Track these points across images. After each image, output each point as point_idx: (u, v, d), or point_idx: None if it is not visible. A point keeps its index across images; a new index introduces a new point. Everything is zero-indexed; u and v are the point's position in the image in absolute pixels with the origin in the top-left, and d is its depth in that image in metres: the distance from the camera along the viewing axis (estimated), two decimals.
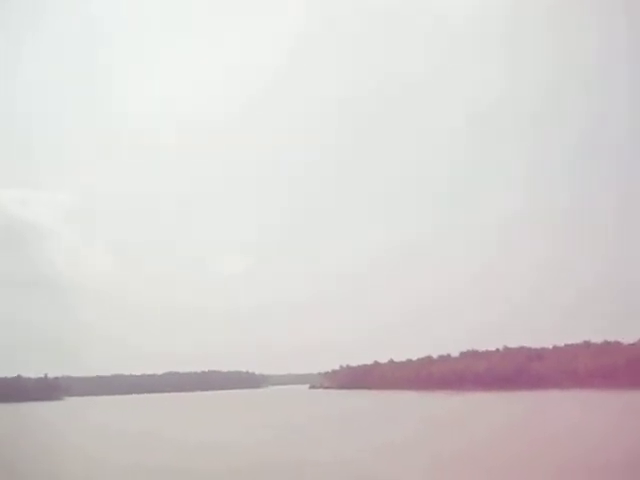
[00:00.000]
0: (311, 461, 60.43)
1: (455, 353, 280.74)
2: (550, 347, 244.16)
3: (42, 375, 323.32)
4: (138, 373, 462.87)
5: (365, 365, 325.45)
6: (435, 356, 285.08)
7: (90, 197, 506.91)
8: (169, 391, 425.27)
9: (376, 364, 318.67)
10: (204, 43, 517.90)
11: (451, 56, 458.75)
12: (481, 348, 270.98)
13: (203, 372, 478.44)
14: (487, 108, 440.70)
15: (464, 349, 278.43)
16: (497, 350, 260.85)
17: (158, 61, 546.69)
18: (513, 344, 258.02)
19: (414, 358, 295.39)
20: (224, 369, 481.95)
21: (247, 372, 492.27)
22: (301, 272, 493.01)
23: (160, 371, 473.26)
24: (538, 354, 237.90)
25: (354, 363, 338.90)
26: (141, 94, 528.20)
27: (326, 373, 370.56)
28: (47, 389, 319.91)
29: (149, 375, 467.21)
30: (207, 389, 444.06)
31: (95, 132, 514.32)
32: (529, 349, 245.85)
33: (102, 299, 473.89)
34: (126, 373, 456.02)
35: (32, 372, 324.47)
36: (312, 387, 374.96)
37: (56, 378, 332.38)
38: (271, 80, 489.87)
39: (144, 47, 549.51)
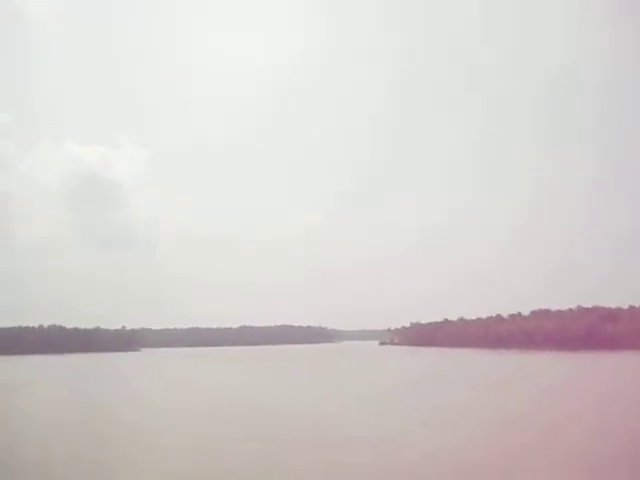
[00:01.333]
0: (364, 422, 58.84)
1: (526, 312, 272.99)
2: (625, 307, 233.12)
3: (119, 327, 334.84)
4: (214, 326, 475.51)
5: (434, 322, 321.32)
6: (505, 315, 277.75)
7: (170, 154, 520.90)
8: (243, 344, 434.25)
9: (445, 322, 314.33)
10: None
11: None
12: (554, 307, 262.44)
13: (276, 326, 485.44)
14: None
15: (536, 308, 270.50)
16: (570, 310, 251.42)
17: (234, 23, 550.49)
18: (587, 304, 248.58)
19: (484, 316, 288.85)
20: (297, 324, 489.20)
21: (320, 327, 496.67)
22: (375, 229, 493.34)
23: (235, 325, 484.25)
24: (612, 314, 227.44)
25: (424, 320, 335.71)
26: (219, 55, 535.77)
27: (396, 330, 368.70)
28: (124, 341, 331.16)
29: (224, 328, 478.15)
30: (280, 343, 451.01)
31: (175, 91, 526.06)
32: (603, 309, 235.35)
33: (180, 255, 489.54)
34: (202, 326, 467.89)
35: (111, 324, 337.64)
36: (382, 343, 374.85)
37: (133, 330, 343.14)
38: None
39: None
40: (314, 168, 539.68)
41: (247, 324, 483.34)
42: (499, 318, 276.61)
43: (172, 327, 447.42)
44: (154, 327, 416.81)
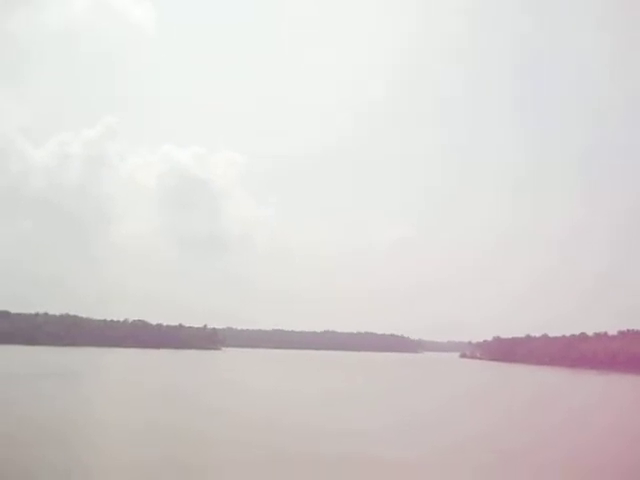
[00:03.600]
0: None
1: (613, 332, 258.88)
2: None
3: (201, 325, 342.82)
4: (298, 329, 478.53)
5: (516, 338, 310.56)
6: (590, 333, 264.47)
7: (262, 158, 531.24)
8: (326, 349, 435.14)
9: (527, 337, 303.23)
10: None
11: None
12: None
13: (359, 333, 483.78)
14: None
15: (623, 328, 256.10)
16: None
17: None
18: None
19: (568, 334, 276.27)
20: (380, 331, 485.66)
21: (402, 336, 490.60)
22: (462, 240, 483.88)
23: (319, 329, 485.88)
24: None
25: (506, 335, 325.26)
26: (318, 63, 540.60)
27: (477, 343, 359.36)
28: (206, 339, 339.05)
29: (308, 332, 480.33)
30: (362, 349, 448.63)
31: (270, 98, 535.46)
32: None
33: (268, 258, 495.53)
34: (286, 329, 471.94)
35: (194, 322, 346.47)
36: (462, 356, 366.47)
37: (215, 329, 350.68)
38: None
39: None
40: (407, 182, 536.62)
41: (330, 329, 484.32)
42: (583, 336, 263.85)
43: (255, 328, 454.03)
44: (237, 327, 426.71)
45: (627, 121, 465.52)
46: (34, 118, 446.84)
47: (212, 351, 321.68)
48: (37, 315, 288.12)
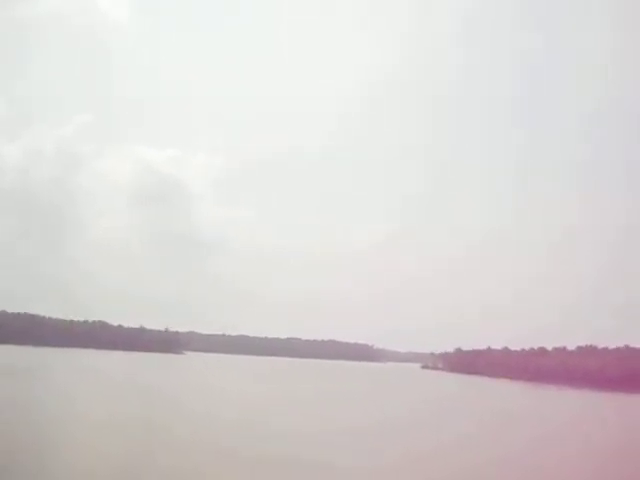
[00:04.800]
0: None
1: (572, 347, 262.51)
2: None
3: (162, 329, 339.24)
4: (262, 335, 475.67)
5: (477, 350, 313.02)
6: (550, 348, 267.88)
7: (239, 161, 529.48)
8: (290, 356, 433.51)
9: (488, 350, 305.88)
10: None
11: None
12: (601, 345, 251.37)
13: (323, 341, 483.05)
14: None
15: (583, 344, 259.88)
16: (617, 348, 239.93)
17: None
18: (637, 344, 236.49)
19: (527, 347, 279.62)
20: (344, 340, 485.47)
21: (366, 345, 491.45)
22: (433, 247, 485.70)
23: (283, 335, 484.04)
24: None
25: (467, 347, 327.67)
26: (294, 63, 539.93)
27: (439, 354, 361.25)
28: (168, 342, 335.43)
29: (272, 338, 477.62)
30: (326, 357, 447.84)
31: (247, 100, 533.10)
32: None
33: (241, 261, 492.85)
34: (250, 334, 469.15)
35: (155, 325, 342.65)
36: (424, 367, 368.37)
37: (177, 332, 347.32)
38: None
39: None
40: (387, 182, 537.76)
41: (295, 336, 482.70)
42: (542, 350, 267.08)
43: (219, 333, 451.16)
44: (202, 331, 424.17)
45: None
46: (6, 113, 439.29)
47: (173, 355, 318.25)
48: None
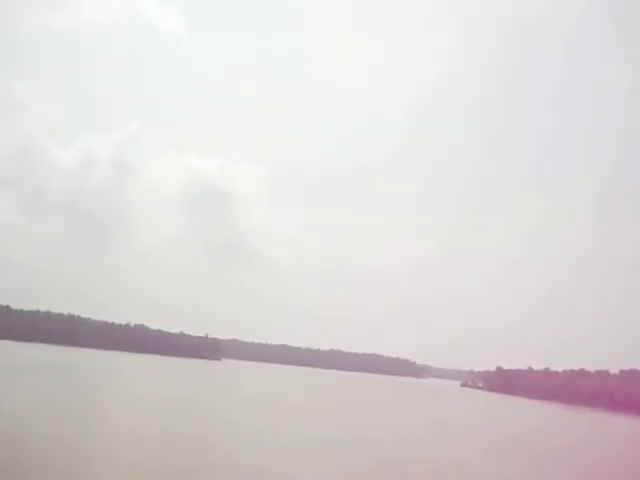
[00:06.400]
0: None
1: (615, 370, 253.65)
2: None
3: (202, 334, 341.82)
4: (304, 346, 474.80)
5: (518, 370, 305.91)
6: (592, 370, 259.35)
7: (286, 174, 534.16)
8: (330, 368, 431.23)
9: (529, 370, 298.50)
10: None
11: None
12: None
13: (365, 354, 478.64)
14: None
15: (626, 368, 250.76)
16: None
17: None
18: None
19: (568, 369, 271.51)
20: (386, 354, 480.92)
21: (408, 360, 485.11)
22: (476, 265, 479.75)
23: (325, 347, 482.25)
24: None
25: (507, 366, 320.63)
26: (339, 78, 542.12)
27: (479, 372, 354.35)
28: (207, 349, 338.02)
29: (313, 350, 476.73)
30: (367, 371, 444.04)
31: (295, 113, 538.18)
32: None
33: (284, 271, 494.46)
34: (292, 345, 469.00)
35: (193, 331, 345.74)
36: (464, 385, 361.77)
37: (215, 339, 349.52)
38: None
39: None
40: (420, 200, 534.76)
41: (336, 348, 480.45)
42: (582, 372, 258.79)
43: (261, 342, 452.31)
44: (243, 339, 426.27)
45: None
46: (62, 120, 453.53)
47: (211, 361, 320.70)
48: (38, 312, 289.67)
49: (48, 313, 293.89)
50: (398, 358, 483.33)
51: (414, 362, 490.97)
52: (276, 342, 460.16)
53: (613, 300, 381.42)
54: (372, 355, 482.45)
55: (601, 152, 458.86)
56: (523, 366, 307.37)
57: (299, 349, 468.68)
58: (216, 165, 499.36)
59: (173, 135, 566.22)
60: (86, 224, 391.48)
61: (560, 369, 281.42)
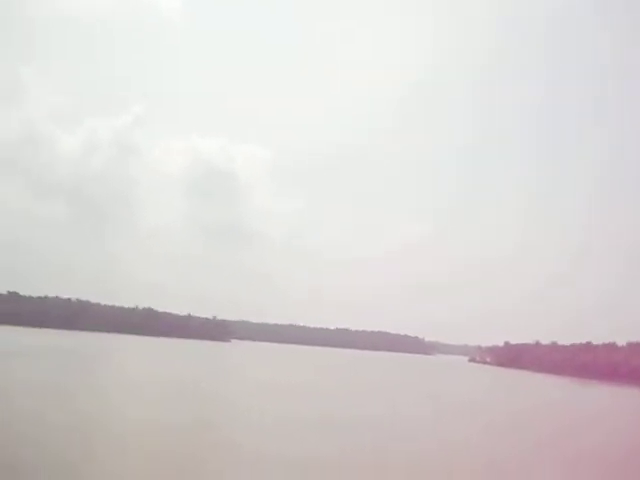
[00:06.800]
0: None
1: (622, 342, 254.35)
2: None
3: (210, 317, 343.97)
4: (311, 325, 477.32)
5: (524, 344, 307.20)
6: (598, 343, 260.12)
7: (287, 153, 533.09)
8: (339, 346, 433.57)
9: (536, 344, 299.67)
10: None
11: None
12: None
13: (373, 332, 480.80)
14: None
15: (632, 339, 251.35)
16: None
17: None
18: None
19: (576, 342, 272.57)
20: (394, 331, 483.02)
21: (415, 337, 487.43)
22: (479, 240, 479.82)
23: (332, 326, 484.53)
24: None
25: (515, 340, 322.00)
26: (342, 59, 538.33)
27: (486, 348, 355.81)
28: (215, 330, 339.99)
29: (321, 329, 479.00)
30: (375, 349, 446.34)
31: (298, 93, 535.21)
32: None
33: (287, 252, 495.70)
34: (299, 324, 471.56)
35: (202, 313, 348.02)
36: (471, 360, 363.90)
37: (224, 320, 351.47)
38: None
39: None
40: (420, 180, 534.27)
41: (344, 327, 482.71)
42: (589, 346, 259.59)
43: (268, 322, 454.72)
44: (251, 320, 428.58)
45: None
46: (63, 105, 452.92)
47: (220, 343, 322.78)
48: (46, 298, 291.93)
49: (56, 298, 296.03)
50: (406, 335, 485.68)
51: (422, 339, 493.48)
52: (285, 322, 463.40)
53: (618, 272, 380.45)
54: (379, 333, 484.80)
55: (597, 138, 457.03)
56: (530, 340, 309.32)
57: (307, 328, 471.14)
58: (219, 147, 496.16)
59: (175, 118, 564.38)
60: (90, 208, 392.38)
61: (568, 343, 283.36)
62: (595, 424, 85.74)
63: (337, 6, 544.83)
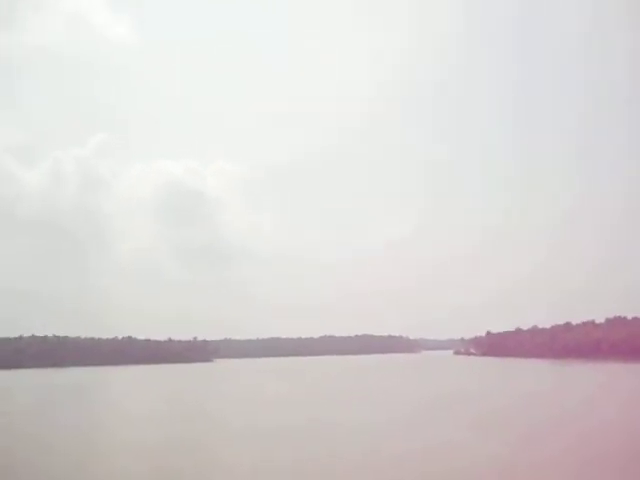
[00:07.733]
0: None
1: (600, 319, 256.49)
2: None
3: (191, 338, 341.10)
4: (295, 336, 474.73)
5: (506, 332, 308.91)
6: (577, 322, 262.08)
7: (256, 168, 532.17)
8: (325, 354, 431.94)
9: (517, 331, 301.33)
10: None
11: None
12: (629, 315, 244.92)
13: (358, 336, 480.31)
14: None
15: (610, 316, 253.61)
16: None
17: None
18: None
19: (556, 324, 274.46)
20: (378, 333, 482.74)
21: (400, 337, 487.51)
22: (451, 239, 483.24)
23: (317, 335, 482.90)
24: None
25: (497, 329, 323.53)
26: (304, 72, 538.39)
27: (470, 339, 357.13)
28: (197, 351, 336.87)
29: (306, 338, 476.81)
30: (361, 352, 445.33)
31: (265, 109, 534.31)
32: None
33: (267, 266, 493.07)
34: (282, 336, 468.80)
35: (182, 335, 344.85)
36: (457, 352, 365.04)
37: (205, 341, 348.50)
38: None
39: None
40: (401, 185, 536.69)
41: (328, 334, 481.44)
42: (568, 326, 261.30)
43: (252, 337, 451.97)
44: (233, 337, 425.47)
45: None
46: (24, 139, 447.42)
47: (202, 364, 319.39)
48: (21, 338, 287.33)
49: (32, 337, 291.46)
50: (390, 336, 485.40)
51: (407, 337, 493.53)
52: (267, 336, 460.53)
53: (594, 253, 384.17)
54: (364, 336, 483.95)
55: (578, 118, 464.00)
56: (511, 328, 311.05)
57: (291, 340, 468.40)
58: (187, 168, 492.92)
59: (139, 144, 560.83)
60: (62, 242, 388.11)
61: (548, 325, 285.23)
62: (586, 404, 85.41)
63: (300, 23, 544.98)
